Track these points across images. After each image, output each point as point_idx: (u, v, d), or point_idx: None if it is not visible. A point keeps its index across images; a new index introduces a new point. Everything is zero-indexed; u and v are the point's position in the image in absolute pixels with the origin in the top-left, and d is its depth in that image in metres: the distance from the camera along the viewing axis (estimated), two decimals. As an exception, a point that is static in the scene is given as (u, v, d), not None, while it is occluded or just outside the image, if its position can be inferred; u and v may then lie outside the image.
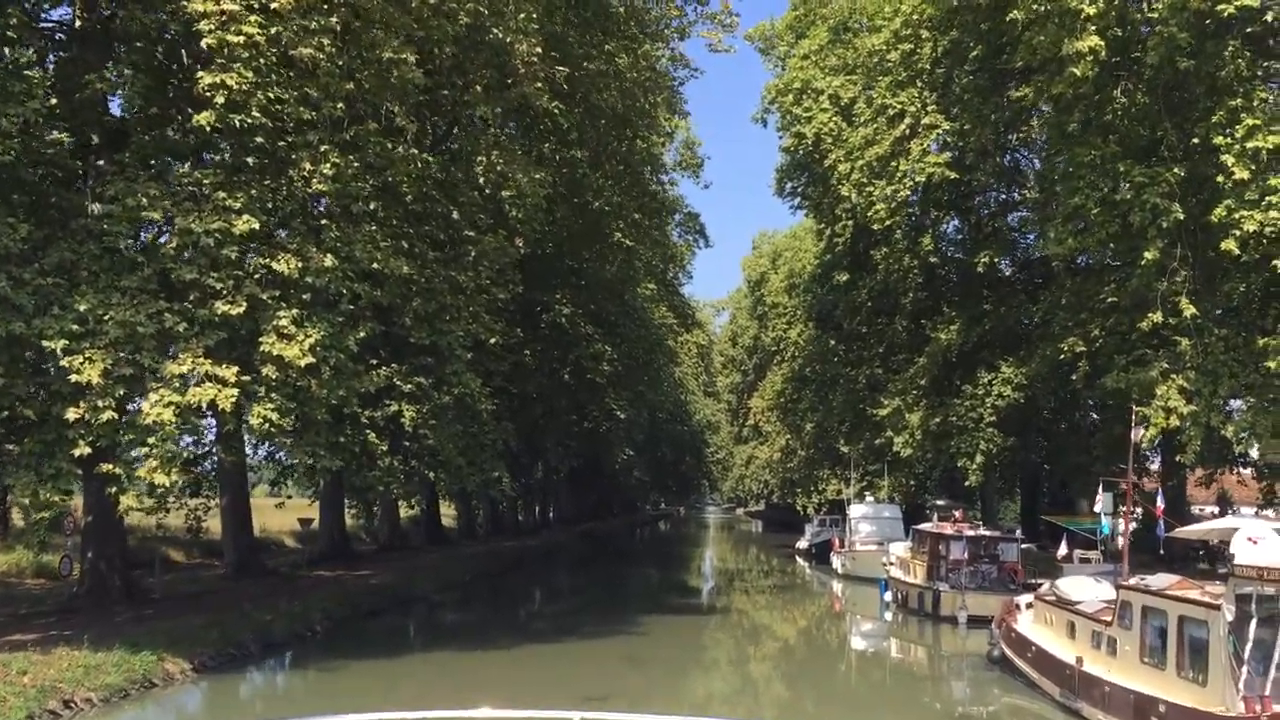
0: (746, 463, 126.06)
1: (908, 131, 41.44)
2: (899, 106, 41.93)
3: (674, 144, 61.80)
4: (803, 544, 72.71)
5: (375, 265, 23.12)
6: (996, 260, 45.09)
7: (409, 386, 28.17)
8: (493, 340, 28.33)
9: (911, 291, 56.36)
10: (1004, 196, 54.13)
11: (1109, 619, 18.72)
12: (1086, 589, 21.40)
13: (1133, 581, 18.51)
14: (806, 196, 54.93)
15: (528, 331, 47.91)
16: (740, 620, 38.87)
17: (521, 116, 33.60)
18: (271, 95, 20.65)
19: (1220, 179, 23.54)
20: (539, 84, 26.07)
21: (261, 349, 20.72)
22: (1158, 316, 24.86)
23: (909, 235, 57.41)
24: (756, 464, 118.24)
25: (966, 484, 46.75)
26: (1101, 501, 28.55)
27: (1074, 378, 35.37)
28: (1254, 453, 33.05)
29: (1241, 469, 41.93)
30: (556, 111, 37.62)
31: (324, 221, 22.44)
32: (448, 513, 73.39)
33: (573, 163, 42.23)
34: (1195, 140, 24.27)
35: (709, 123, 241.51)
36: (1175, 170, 24.14)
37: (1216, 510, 51.52)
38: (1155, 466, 46.76)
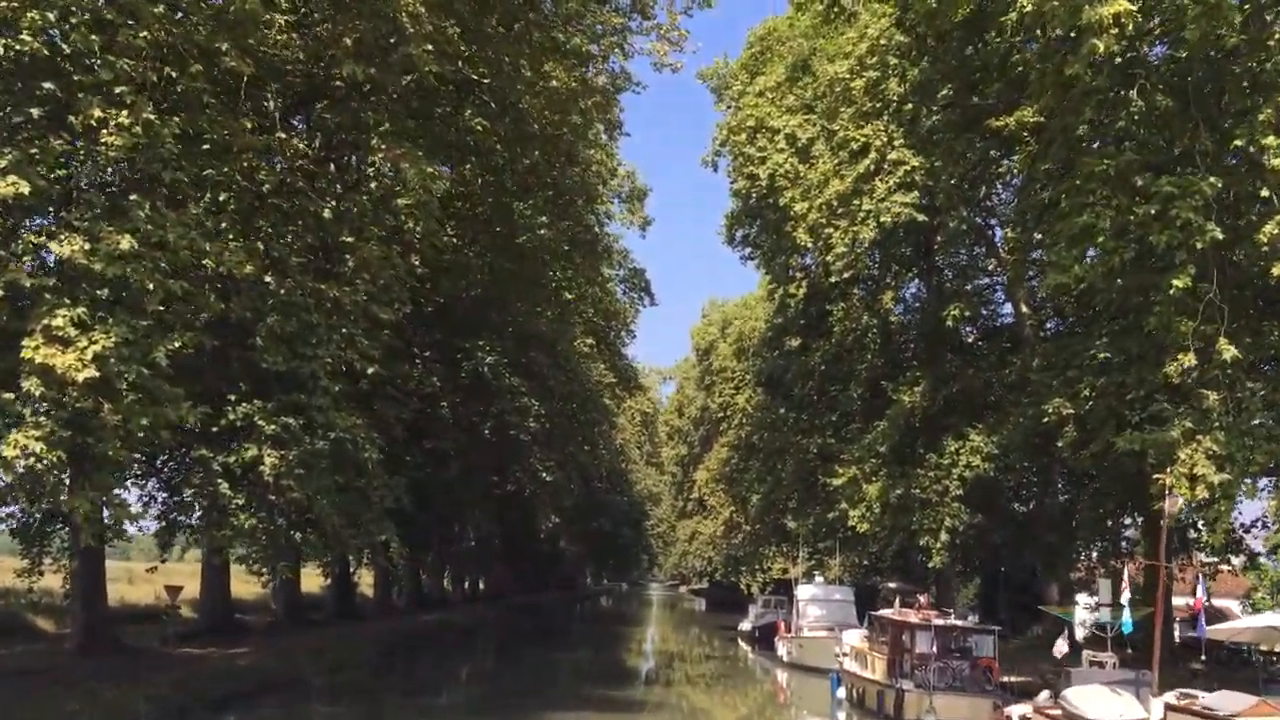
0: (690, 538, 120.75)
1: (872, 168, 37.22)
2: (863, 140, 37.76)
3: (619, 187, 57.65)
4: (745, 626, 67.47)
5: (208, 262, 18.01)
6: (966, 314, 40.72)
7: (272, 427, 22.86)
8: (370, 370, 23.09)
9: (869, 355, 52.04)
10: (969, 255, 50.26)
11: (1152, 751, 13.83)
12: (1106, 704, 16.48)
13: (1190, 702, 13.64)
14: (758, 245, 50.53)
15: (446, 381, 42.78)
16: (671, 716, 33.39)
17: (427, 118, 28.66)
18: (61, 24, 15.64)
19: (1267, 193, 19.32)
20: (429, 47, 21.18)
21: (24, 355, 15.45)
22: (1189, 359, 20.40)
23: (868, 291, 53.40)
24: (700, 539, 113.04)
25: (930, 565, 41.85)
26: (1101, 590, 23.92)
27: (1059, 444, 30.84)
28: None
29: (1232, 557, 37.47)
30: (480, 129, 33.15)
31: (132, 197, 17.21)
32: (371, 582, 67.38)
33: (499, 188, 37.58)
34: (1238, 143, 20.05)
35: (661, 188, 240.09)
36: (1211, 180, 19.89)
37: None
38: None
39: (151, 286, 16.84)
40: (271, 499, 25.41)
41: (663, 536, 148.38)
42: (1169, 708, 13.66)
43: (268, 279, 20.74)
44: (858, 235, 38.31)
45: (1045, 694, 19.55)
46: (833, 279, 45.59)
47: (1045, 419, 30.86)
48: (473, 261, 42.81)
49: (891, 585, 60.94)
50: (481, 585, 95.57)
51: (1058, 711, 17.45)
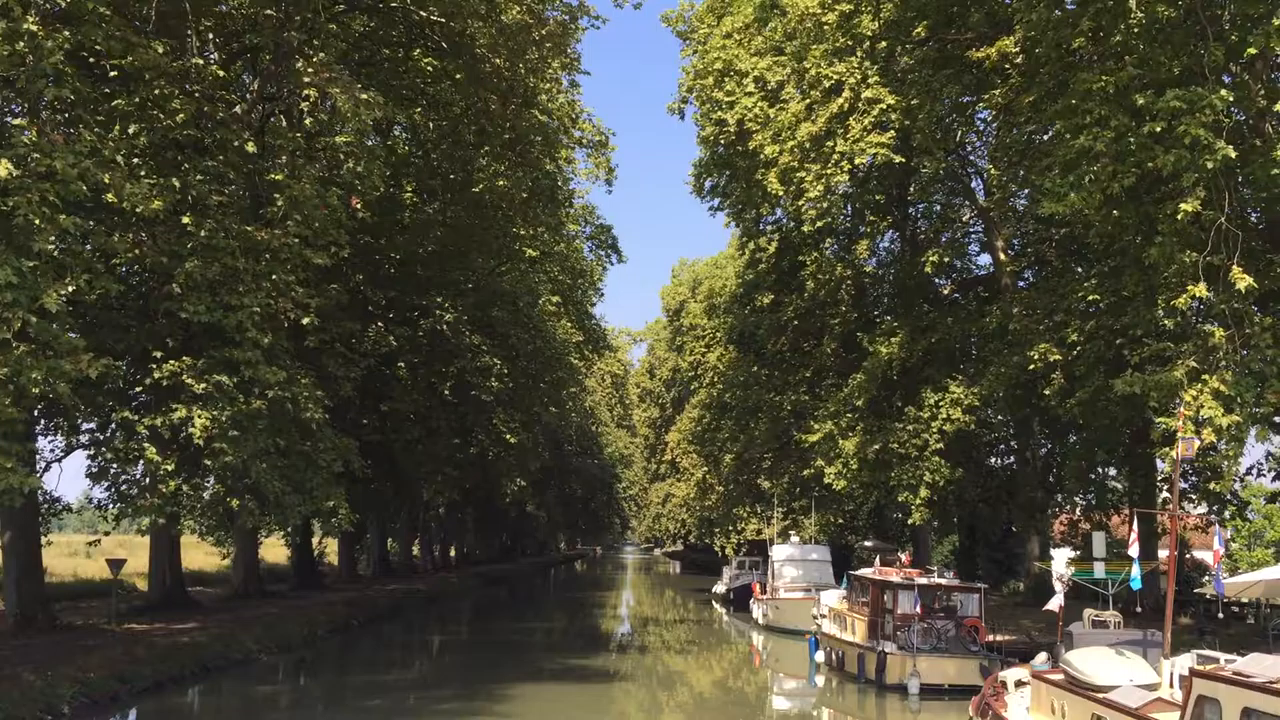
0: (663, 501, 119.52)
1: (846, 107, 35.26)
2: (835, 78, 35.74)
3: (581, 138, 55.50)
4: (720, 588, 66.33)
5: (109, 198, 15.98)
6: (945, 261, 39.08)
7: (202, 386, 20.91)
8: (306, 320, 21.13)
9: (843, 308, 50.45)
10: (946, 201, 48.64)
11: (1174, 721, 12.27)
12: (1114, 667, 14.92)
13: (1216, 668, 12.07)
14: (727, 195, 48.57)
15: (403, 340, 40.80)
16: (640, 685, 31.82)
17: (373, 63, 26.52)
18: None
19: (1280, 108, 17.67)
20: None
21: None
22: (1200, 290, 18.72)
23: (841, 243, 51.74)
24: (673, 502, 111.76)
25: (910, 522, 40.39)
26: (1096, 544, 22.44)
27: (1045, 393, 29.31)
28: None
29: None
30: (430, 70, 31.15)
31: (14, 121, 15.13)
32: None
33: (454, 135, 35.54)
34: (1251, 50, 18.27)
35: (630, 148, 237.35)
36: (1223, 93, 18.16)
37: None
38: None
39: (38, 221, 14.83)
40: (207, 464, 23.55)
41: (635, 500, 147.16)
42: (1194, 673, 12.06)
43: (185, 220, 18.73)
44: (831, 179, 36.42)
45: (1043, 656, 18.01)
46: (805, 228, 43.74)
47: (1030, 366, 29.32)
48: (432, 218, 40.87)
49: (867, 544, 59.75)
50: (452, 553, 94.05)
51: (1059, 676, 15.89)
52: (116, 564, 35.24)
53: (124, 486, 25.05)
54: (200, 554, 54.71)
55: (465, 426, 43.68)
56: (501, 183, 35.15)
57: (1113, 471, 37.54)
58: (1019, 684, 18.10)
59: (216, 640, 31.59)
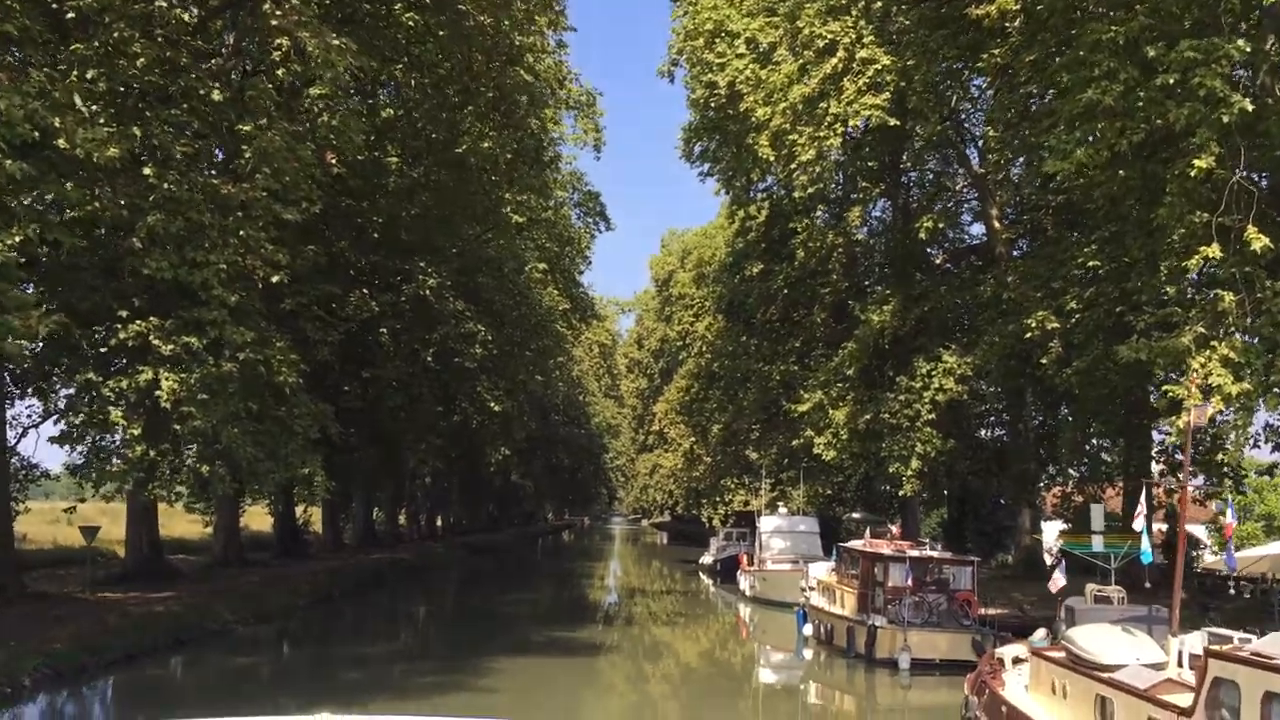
0: (651, 471, 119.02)
1: (840, 67, 34.32)
2: (829, 37, 34.79)
3: (568, 100, 54.44)
4: (707, 559, 65.76)
5: (61, 144, 15.02)
6: (939, 227, 38.26)
7: (169, 348, 20.01)
8: (276, 279, 20.21)
9: (834, 277, 49.67)
10: (940, 167, 47.74)
11: (1186, 704, 11.56)
12: (1120, 645, 14.24)
13: (1234, 648, 11.37)
14: (717, 160, 47.57)
15: (385, 306, 39.86)
16: (626, 658, 31.20)
17: (353, 20, 25.43)
18: None
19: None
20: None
21: None
22: (1213, 251, 17.90)
23: (833, 211, 50.93)
24: (661, 473, 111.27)
25: (900, 493, 39.80)
26: (1095, 516, 21.80)
27: (1042, 362, 28.60)
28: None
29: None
30: (411, 24, 30.10)
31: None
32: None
33: (437, 95, 34.47)
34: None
35: (618, 116, 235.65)
36: (1239, 44, 17.31)
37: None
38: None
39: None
40: (176, 429, 22.67)
41: (623, 470, 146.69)
42: (1209, 654, 11.35)
43: (146, 171, 17.77)
44: (823, 142, 35.55)
45: (1042, 633, 17.33)
46: (796, 195, 42.94)
47: (1027, 335, 28.58)
48: (416, 181, 39.91)
49: (855, 516, 59.21)
50: (439, 523, 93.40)
51: (1060, 654, 15.21)
52: (90, 531, 34.39)
53: (90, 452, 24.20)
54: (184, 522, 53.80)
55: (449, 394, 42.85)
56: (486, 144, 34.10)
57: (1107, 443, 36.89)
58: (1017, 661, 17.43)
59: (192, 610, 30.83)
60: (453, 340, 39.99)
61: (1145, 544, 15.31)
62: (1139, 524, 15.38)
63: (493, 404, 41.47)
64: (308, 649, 29.90)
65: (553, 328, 53.27)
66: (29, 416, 35.32)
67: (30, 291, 18.29)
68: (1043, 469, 43.01)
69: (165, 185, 17.91)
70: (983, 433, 50.31)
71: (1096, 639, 14.46)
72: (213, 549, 48.22)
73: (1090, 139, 18.89)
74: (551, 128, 47.83)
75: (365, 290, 39.70)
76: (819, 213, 51.11)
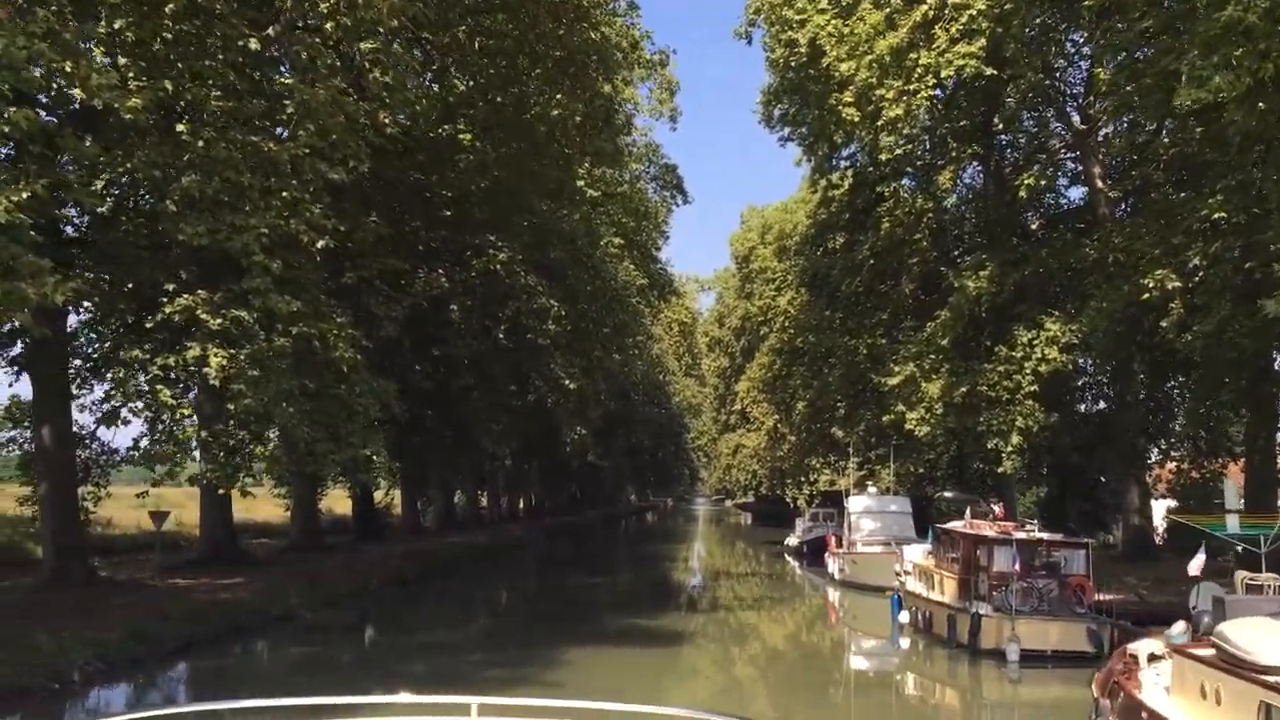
0: (734, 451, 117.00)
1: (930, 14, 31.98)
2: (919, -18, 32.49)
3: (641, 60, 52.62)
4: (792, 541, 63.76)
5: (77, 93, 13.68)
6: (1042, 184, 35.69)
7: (218, 321, 18.72)
8: (320, 244, 18.77)
9: (923, 244, 47.14)
10: (1038, 123, 44.84)
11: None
12: (1285, 644, 12.06)
13: None
14: (798, 123, 45.32)
15: (456, 283, 38.58)
16: (708, 651, 29.47)
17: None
18: None
19: None
20: None
21: None
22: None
23: (920, 179, 48.35)
24: (744, 453, 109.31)
25: (1000, 471, 37.39)
26: (1228, 494, 19.47)
27: (1162, 325, 26.10)
28: None
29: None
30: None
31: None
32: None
33: (503, 60, 32.91)
34: None
35: (697, 95, 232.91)
36: None
37: None
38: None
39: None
40: (230, 408, 21.45)
41: (705, 450, 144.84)
42: None
43: (180, 128, 16.45)
44: (913, 98, 33.23)
45: (1181, 626, 15.17)
46: (882, 156, 40.60)
47: (1143, 297, 26.08)
48: (484, 153, 38.55)
49: (948, 495, 56.63)
50: (520, 505, 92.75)
51: (1209, 652, 13.10)
52: (160, 516, 33.68)
53: (152, 434, 23.18)
54: (269, 506, 53.36)
55: (522, 372, 41.42)
56: (555, 109, 32.41)
57: (1230, 415, 34.07)
58: (1153, 658, 15.31)
59: (259, 596, 29.91)
60: (525, 316, 38.51)
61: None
62: (1231, 503, 13.17)
63: (568, 382, 39.91)
64: (373, 637, 28.70)
65: (629, 303, 51.56)
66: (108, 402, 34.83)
67: (71, 263, 17.10)
68: (1152, 443, 40.21)
69: (200, 143, 16.58)
70: (1082, 406, 47.59)
71: (1258, 635, 12.33)
72: (290, 533, 47.82)
73: (1230, 63, 16.57)
74: (624, 90, 46.10)
75: (435, 266, 38.51)
76: (906, 180, 48.68)
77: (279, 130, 18.37)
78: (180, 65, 17.00)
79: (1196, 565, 16.78)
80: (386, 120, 20.69)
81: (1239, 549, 19.51)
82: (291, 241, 18.62)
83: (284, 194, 17.88)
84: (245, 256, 17.32)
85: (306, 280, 21.63)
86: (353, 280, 26.77)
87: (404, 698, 4.63)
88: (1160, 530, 43.55)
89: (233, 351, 19.19)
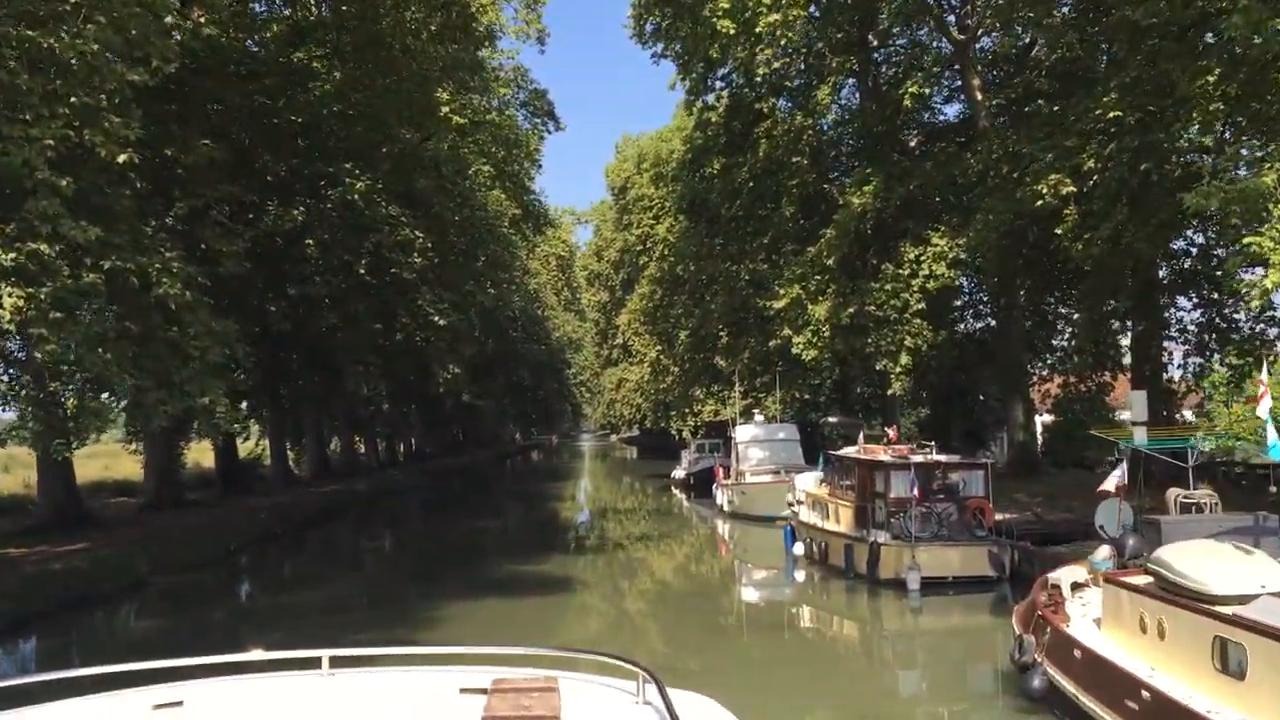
0: (617, 386, 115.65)
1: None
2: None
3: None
4: (679, 474, 62.79)
5: None
6: (926, 93, 34.41)
7: (11, 256, 16.01)
8: (121, 158, 16.08)
9: (802, 162, 45.58)
10: (911, 42, 43.60)
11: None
12: (1233, 570, 10.86)
13: None
14: (671, 38, 43.13)
15: (312, 216, 35.63)
16: (602, 595, 27.86)
17: None
18: None
19: None
20: None
21: None
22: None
23: (797, 99, 46.70)
24: (627, 387, 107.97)
25: (889, 392, 36.49)
26: (1135, 405, 18.47)
27: (1057, 232, 25.00)
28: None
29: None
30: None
31: None
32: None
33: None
34: None
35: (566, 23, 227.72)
36: None
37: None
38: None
39: None
40: (36, 356, 18.71)
41: (587, 386, 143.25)
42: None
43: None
44: (790, 6, 31.40)
45: (1106, 551, 13.89)
46: (760, 71, 38.86)
47: (1038, 203, 24.91)
48: (340, 82, 35.56)
49: (832, 420, 56.01)
50: (400, 450, 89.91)
51: (1145, 580, 11.82)
52: (-15, 482, 30.55)
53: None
54: (130, 462, 49.89)
55: (388, 309, 38.75)
56: (410, 17, 29.62)
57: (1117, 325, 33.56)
58: (1076, 588, 14.09)
59: (102, 564, 27.12)
60: (387, 249, 35.75)
61: (1273, 433, 11.88)
62: (1264, 409, 11.90)
63: (437, 318, 37.40)
64: (229, 602, 26.36)
65: (502, 233, 49.06)
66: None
67: None
68: (1038, 358, 39.81)
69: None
70: (962, 325, 47.16)
71: (1204, 562, 11.06)
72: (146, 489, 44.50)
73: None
74: (488, 12, 43.28)
75: (288, 199, 35.51)
76: (782, 101, 47.08)
77: (64, 27, 15.52)
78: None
79: (1115, 480, 15.58)
80: (200, 17, 17.88)
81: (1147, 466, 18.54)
82: (90, 159, 15.90)
83: (73, 100, 15.15)
84: (27, 171, 14.60)
85: (121, 208, 18.86)
86: (183, 210, 23.90)
87: (256, 654, 4.68)
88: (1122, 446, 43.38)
89: (30, 290, 16.47)
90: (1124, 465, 15.59)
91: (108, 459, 55.05)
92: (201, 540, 33.60)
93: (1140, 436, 17.15)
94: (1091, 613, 13.21)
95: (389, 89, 35.72)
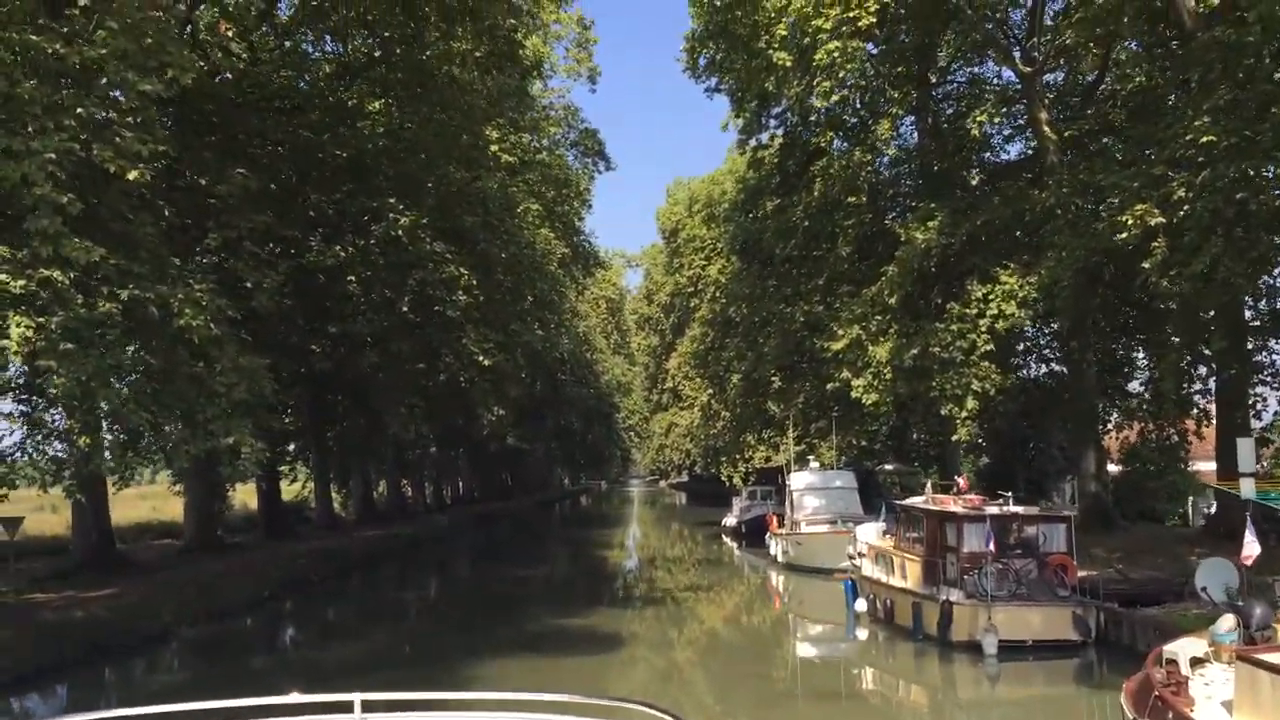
0: (666, 431, 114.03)
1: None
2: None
3: (557, 20, 49.04)
4: (730, 521, 60.85)
5: None
6: (995, 121, 32.88)
7: (21, 283, 14.88)
8: (133, 175, 14.92)
9: (860, 202, 43.96)
10: (974, 77, 42.09)
11: None
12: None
13: None
14: (725, 70, 41.95)
15: (355, 252, 34.63)
16: (643, 648, 26.12)
17: None
18: None
19: None
20: None
21: None
22: None
23: (854, 136, 45.23)
24: (677, 431, 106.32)
25: (954, 438, 34.57)
26: (1242, 454, 16.50)
27: (1145, 265, 23.18)
28: None
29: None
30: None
31: None
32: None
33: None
34: None
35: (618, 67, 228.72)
36: None
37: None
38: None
39: None
40: (52, 393, 17.56)
41: (636, 430, 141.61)
42: None
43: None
44: (855, 20, 30.03)
45: (1231, 621, 12.13)
46: (817, 103, 37.50)
47: (1122, 236, 23.13)
48: (389, 116, 34.87)
49: (887, 467, 53.90)
50: (447, 494, 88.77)
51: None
52: (12, 523, 29.51)
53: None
54: (178, 504, 48.91)
55: (431, 348, 37.54)
56: (457, 43, 28.61)
57: (1202, 370, 31.46)
58: (1196, 663, 12.25)
59: (127, 611, 25.91)
60: (432, 287, 34.60)
61: None
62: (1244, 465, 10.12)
63: (481, 358, 36.11)
64: (255, 656, 24.92)
65: (550, 272, 47.87)
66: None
67: None
68: (1112, 405, 37.70)
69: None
70: (1025, 370, 45.11)
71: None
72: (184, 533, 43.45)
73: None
74: (539, 46, 42.54)
75: (331, 235, 34.68)
76: (838, 141, 45.71)
77: (67, 29, 14.41)
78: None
79: (1250, 548, 13.60)
80: (227, 30, 16.82)
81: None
82: (110, 181, 14.78)
83: (79, 111, 14.05)
84: (28, 190, 13.48)
85: (143, 235, 17.75)
86: (216, 241, 22.87)
87: (293, 698, 4.94)
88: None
89: (41, 320, 15.34)
90: (1251, 528, 13.71)
91: (156, 500, 54.36)
92: (235, 586, 32.38)
93: (1249, 489, 15.26)
94: (1219, 694, 11.37)
95: (437, 125, 34.94)
